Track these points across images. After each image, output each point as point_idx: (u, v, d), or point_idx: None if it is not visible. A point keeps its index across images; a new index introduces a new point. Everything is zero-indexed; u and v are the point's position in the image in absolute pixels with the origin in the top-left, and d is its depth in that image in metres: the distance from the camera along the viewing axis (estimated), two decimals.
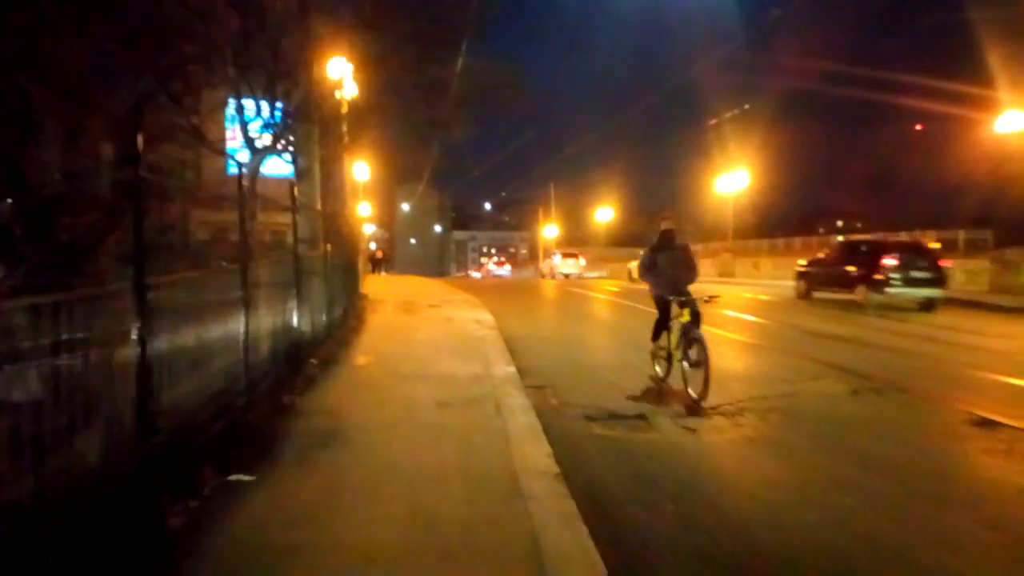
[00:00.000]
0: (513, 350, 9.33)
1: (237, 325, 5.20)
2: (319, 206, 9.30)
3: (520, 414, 5.77)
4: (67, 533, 2.91)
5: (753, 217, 41.51)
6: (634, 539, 3.67)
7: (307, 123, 9.52)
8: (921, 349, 10.68)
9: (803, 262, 20.21)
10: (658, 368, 7.67)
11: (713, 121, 34.63)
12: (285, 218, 11.27)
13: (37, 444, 2.87)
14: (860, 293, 16.86)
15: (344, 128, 12.26)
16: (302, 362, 7.09)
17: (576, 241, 69.72)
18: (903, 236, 24.72)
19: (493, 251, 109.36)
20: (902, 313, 15.11)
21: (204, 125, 8.53)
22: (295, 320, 7.02)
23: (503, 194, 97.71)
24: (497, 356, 8.58)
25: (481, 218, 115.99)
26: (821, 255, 20.09)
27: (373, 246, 55.41)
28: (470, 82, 15.07)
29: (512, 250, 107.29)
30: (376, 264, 38.61)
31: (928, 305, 16.15)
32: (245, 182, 7.78)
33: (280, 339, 6.63)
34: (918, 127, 62.23)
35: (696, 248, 28.11)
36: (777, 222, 54.82)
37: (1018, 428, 5.85)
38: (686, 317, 7.01)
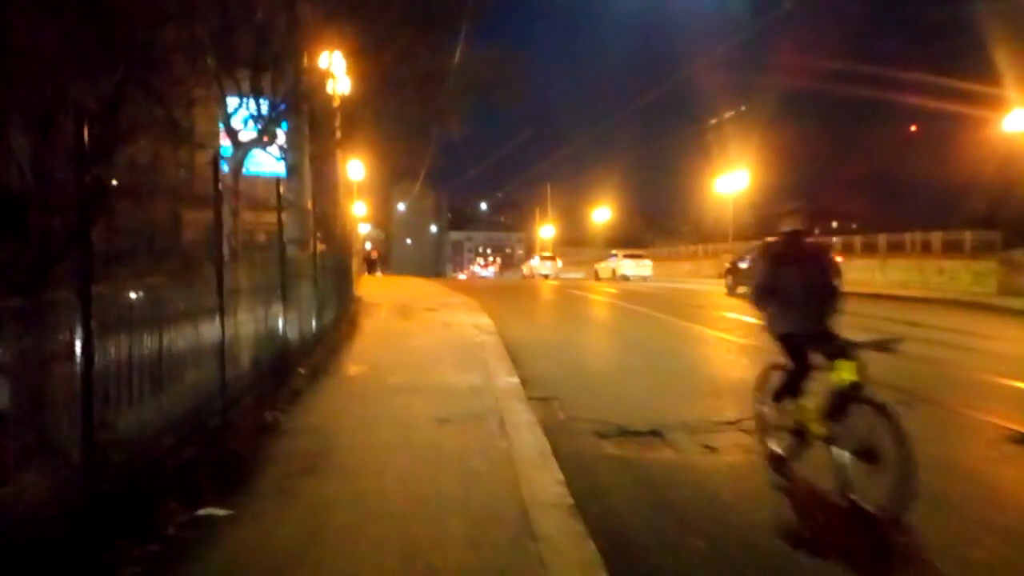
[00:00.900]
0: (514, 357, 8.83)
1: (212, 336, 4.69)
2: (310, 205, 8.78)
3: (526, 432, 5.27)
4: None
5: (753, 217, 41.04)
6: None
7: (296, 116, 9.00)
8: (938, 355, 10.20)
9: (728, 263, 22.63)
10: (774, 444, 4.98)
11: (713, 121, 34.20)
12: (274, 217, 10.79)
13: None
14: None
15: (337, 123, 11.71)
16: (289, 373, 6.57)
17: (573, 241, 69.33)
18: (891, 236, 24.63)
19: (489, 251, 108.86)
20: (913, 316, 14.65)
21: (190, 118, 8.02)
22: (281, 327, 6.50)
23: (499, 195, 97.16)
24: (498, 364, 8.08)
25: (477, 218, 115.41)
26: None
27: (368, 246, 54.87)
28: (468, 74, 14.52)
29: (508, 250, 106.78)
30: (371, 265, 38.06)
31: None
32: (227, 178, 7.30)
33: (264, 349, 6.12)
34: (912, 128, 62.04)
35: (695, 249, 27.74)
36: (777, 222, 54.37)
37: None
38: (845, 374, 4.28)
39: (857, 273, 24.38)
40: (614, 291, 24.74)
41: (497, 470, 4.39)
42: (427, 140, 21.62)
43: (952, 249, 21.49)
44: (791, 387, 4.83)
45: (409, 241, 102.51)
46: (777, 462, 4.88)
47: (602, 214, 61.25)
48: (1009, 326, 13.90)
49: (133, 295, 3.80)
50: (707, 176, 40.66)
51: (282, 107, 7.37)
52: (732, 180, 35.20)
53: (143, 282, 3.97)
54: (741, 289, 20.33)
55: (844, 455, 4.20)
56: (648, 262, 33.25)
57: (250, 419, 5.21)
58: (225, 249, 7.22)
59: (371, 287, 22.70)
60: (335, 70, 10.21)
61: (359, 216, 41.51)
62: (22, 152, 5.34)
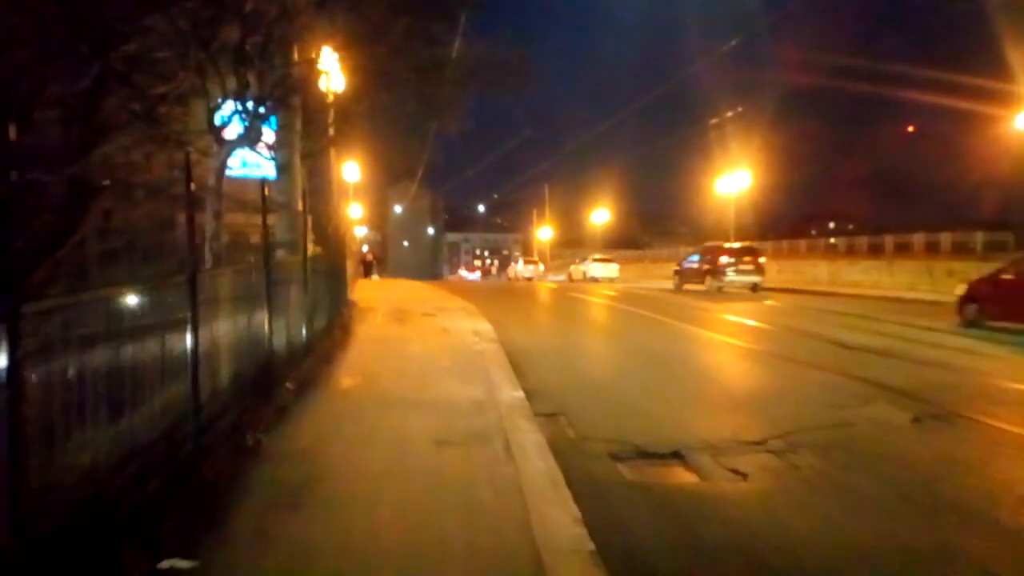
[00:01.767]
0: (517, 366, 8.33)
1: (183, 352, 4.17)
2: (300, 206, 8.26)
3: (535, 456, 4.75)
4: None
5: (754, 218, 40.61)
6: None
7: (286, 112, 8.49)
8: (961, 362, 9.71)
9: (676, 265, 26.60)
10: None
11: (714, 120, 33.75)
12: (267, 219, 10.25)
13: None
14: (707, 283, 23.10)
15: (330, 119, 11.13)
16: (274, 387, 6.05)
17: (571, 243, 68.86)
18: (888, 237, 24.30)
19: (486, 253, 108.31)
20: (928, 319, 14.16)
21: (186, 116, 7.48)
22: (267, 337, 5.98)
23: (496, 196, 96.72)
24: (501, 375, 7.56)
25: (474, 220, 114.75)
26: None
27: (365, 249, 54.34)
28: (470, 60, 13.92)
29: (505, 252, 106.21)
30: (368, 268, 37.52)
31: (754, 287, 22.59)
32: (211, 179, 6.78)
33: (247, 362, 5.60)
34: (910, 128, 61.64)
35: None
36: (780, 223, 54.12)
37: None
38: None
39: (863, 275, 23.97)
40: (612, 294, 24.39)
41: (505, 504, 3.87)
42: (424, 137, 21.08)
43: (962, 250, 21.03)
44: None
45: (406, 243, 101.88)
46: None
47: (600, 216, 60.74)
48: None
49: (85, 309, 3.28)
50: (708, 176, 40.24)
51: (269, 103, 6.83)
52: (734, 180, 34.70)
53: (98, 294, 3.44)
54: (687, 286, 24.35)
55: None
56: (615, 265, 36.53)
57: (229, 443, 4.69)
58: (207, 254, 6.74)
59: (367, 291, 22.17)
60: (328, 63, 9.68)
61: (355, 219, 41.03)
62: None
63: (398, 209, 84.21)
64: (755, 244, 26.82)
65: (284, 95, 7.51)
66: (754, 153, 35.59)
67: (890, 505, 4.33)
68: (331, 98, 11.00)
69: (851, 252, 25.26)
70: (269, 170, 9.69)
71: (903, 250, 23.74)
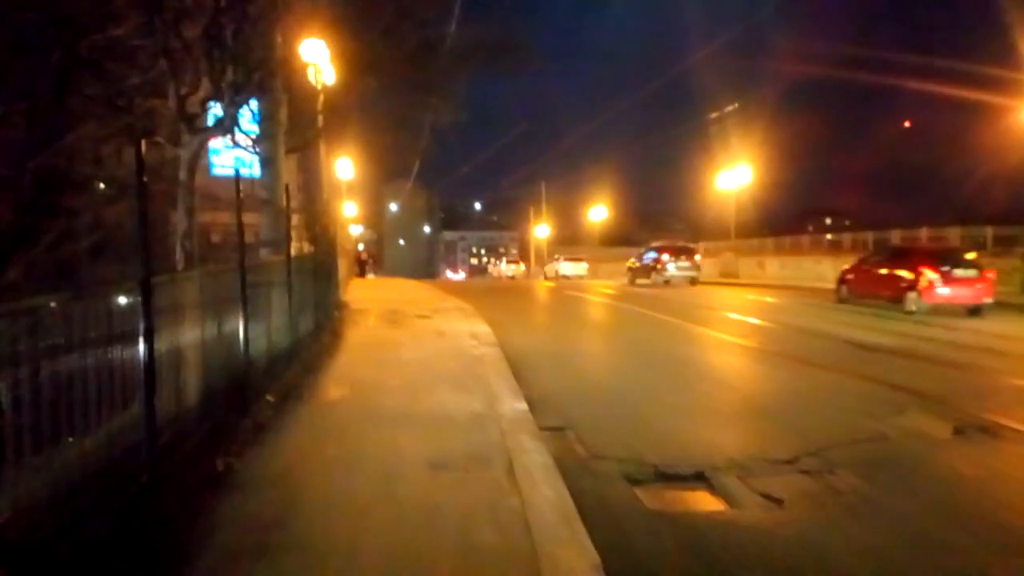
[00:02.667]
0: (517, 372, 7.77)
1: (136, 368, 3.59)
2: (284, 202, 7.66)
3: (542, 483, 4.18)
4: None
5: (756, 214, 40.07)
6: None
7: (269, 101, 7.88)
8: (990, 364, 9.19)
9: (629, 262, 30.12)
10: None
11: (714, 115, 33.21)
12: (251, 218, 9.64)
13: None
14: (652, 278, 26.86)
15: (319, 106, 10.47)
16: (252, 401, 5.47)
17: (568, 240, 68.29)
18: (894, 234, 23.92)
19: (483, 251, 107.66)
20: (946, 320, 13.63)
21: (142, 101, 6.89)
22: (242, 345, 5.39)
23: (491, 193, 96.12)
24: (501, 383, 6.99)
25: (471, 218, 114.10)
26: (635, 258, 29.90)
27: (361, 247, 53.78)
28: (462, 47, 13.27)
29: (502, 250, 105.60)
30: (362, 267, 36.92)
31: (692, 281, 26.13)
32: (181, 172, 6.19)
33: (219, 373, 5.01)
34: (906, 124, 61.10)
35: (698, 247, 29.00)
36: (775, 219, 53.60)
37: None
38: None
39: None
40: (611, 292, 23.98)
41: (510, 545, 3.30)
42: (418, 131, 20.42)
43: (971, 247, 20.44)
44: None
45: (402, 242, 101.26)
46: None
47: (598, 213, 60.18)
48: None
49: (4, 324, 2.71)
50: (707, 172, 39.74)
51: (245, 88, 6.21)
52: (734, 175, 34.13)
53: (20, 305, 2.87)
54: (638, 281, 27.87)
55: None
56: (584, 264, 40.22)
57: (194, 469, 4.11)
58: (179, 254, 6.16)
59: (361, 290, 21.58)
60: (313, 48, 9.08)
61: (350, 217, 40.40)
62: None
63: (393, 207, 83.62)
64: (692, 244, 31.34)
65: (262, 80, 6.91)
66: (754, 148, 35.07)
67: (953, 542, 3.76)
68: (319, 84, 10.34)
69: (856, 248, 24.72)
70: (252, 168, 9.10)
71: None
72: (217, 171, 15.38)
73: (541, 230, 64.90)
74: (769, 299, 19.77)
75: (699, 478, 4.67)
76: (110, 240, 5.35)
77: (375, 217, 72.90)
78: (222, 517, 3.65)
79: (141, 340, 3.59)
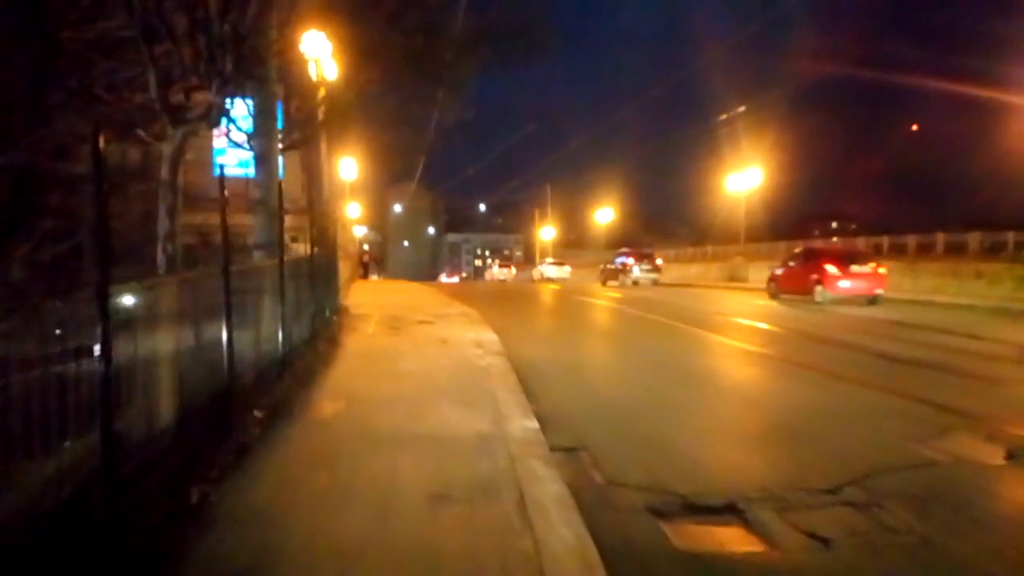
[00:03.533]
0: (526, 384, 7.29)
1: (93, 390, 3.11)
2: (278, 202, 7.18)
3: (557, 520, 3.68)
4: None
5: (766, 217, 39.46)
6: None
7: (262, 93, 7.41)
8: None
9: (602, 267, 34.40)
10: None
11: (724, 116, 32.72)
12: (246, 218, 9.16)
13: None
14: (620, 280, 30.78)
15: (319, 98, 9.92)
16: (236, 420, 4.98)
17: (573, 243, 67.91)
18: (909, 239, 23.42)
19: (487, 254, 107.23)
20: (968, 326, 13.08)
21: (121, 93, 6.43)
22: (226, 357, 4.91)
23: (496, 194, 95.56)
24: (509, 398, 6.50)
25: (475, 220, 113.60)
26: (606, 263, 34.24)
27: (366, 248, 53.46)
28: (471, 33, 12.69)
29: (507, 252, 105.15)
30: (365, 269, 36.50)
31: (654, 282, 30.22)
32: (164, 169, 5.71)
33: (199, 389, 4.53)
34: (914, 127, 60.43)
35: (704, 251, 29.66)
36: (781, 223, 52.99)
37: None
38: None
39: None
40: (617, 296, 23.59)
41: None
42: (424, 129, 19.87)
43: (990, 251, 19.89)
44: None
45: (406, 243, 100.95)
46: None
47: (604, 215, 59.71)
48: None
49: None
50: (716, 175, 39.22)
51: (234, 76, 5.71)
52: (744, 178, 33.54)
53: None
54: (609, 282, 31.73)
55: None
56: (567, 268, 43.18)
57: (164, 502, 3.62)
58: (160, 258, 5.68)
59: (362, 294, 21.13)
60: (314, 37, 8.58)
61: (354, 218, 40.00)
62: None
63: (398, 209, 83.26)
64: (654, 251, 35.64)
65: (253, 67, 6.43)
66: (764, 151, 34.51)
67: None
68: (318, 72, 9.78)
69: (877, 253, 24.16)
70: (245, 168, 8.64)
71: (926, 251, 22.59)
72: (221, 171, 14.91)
73: (546, 232, 64.46)
74: (761, 301, 20.68)
75: (731, 511, 4.16)
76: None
77: (379, 219, 72.57)
78: (189, 563, 3.17)
79: (98, 357, 3.11)
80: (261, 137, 7.97)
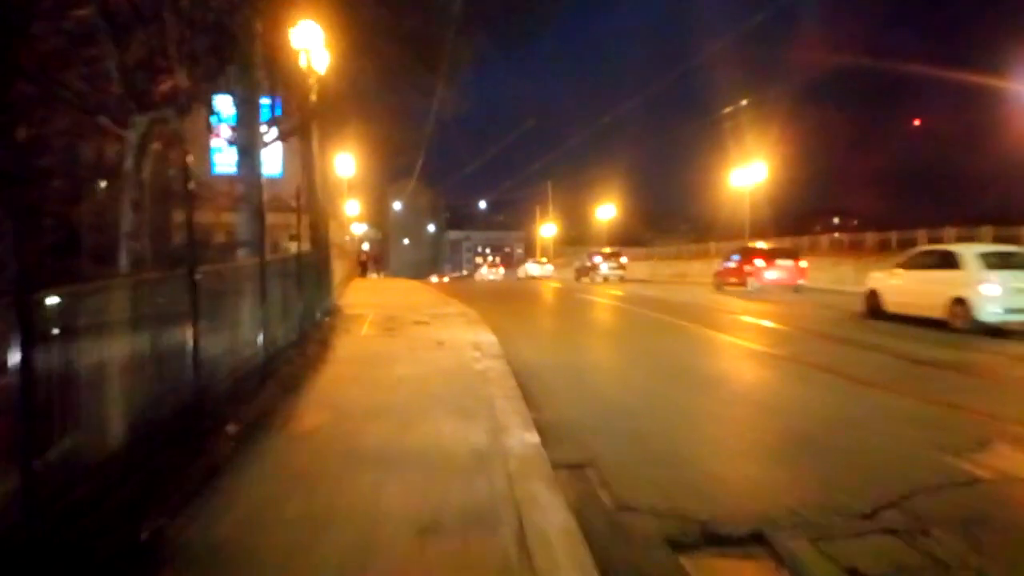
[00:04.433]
0: (526, 389, 6.82)
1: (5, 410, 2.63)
2: (259, 197, 6.70)
3: (564, 559, 3.19)
4: None
5: (771, 213, 38.85)
6: None
7: (247, 83, 6.92)
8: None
9: (575, 264, 39.09)
10: None
11: (728, 109, 32.19)
12: (234, 216, 8.67)
13: None
14: (590, 276, 34.95)
15: (310, 89, 9.39)
16: (205, 434, 4.50)
17: (575, 240, 67.36)
18: (919, 234, 23.09)
19: (488, 251, 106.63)
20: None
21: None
22: (191, 366, 4.43)
23: (497, 192, 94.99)
24: (508, 406, 6.02)
25: (476, 217, 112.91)
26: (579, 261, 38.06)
27: (366, 247, 52.99)
28: (468, 11, 12.12)
29: (507, 250, 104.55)
30: (363, 267, 36.02)
31: (620, 279, 33.73)
32: (127, 161, 5.23)
33: (160, 403, 4.06)
34: (916, 122, 59.82)
35: (706, 248, 29.42)
36: (784, 218, 52.37)
37: None
38: None
39: None
40: (620, 294, 23.17)
41: None
42: (421, 122, 19.34)
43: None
44: None
45: (406, 241, 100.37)
46: None
47: (606, 212, 59.18)
48: None
49: None
50: (719, 171, 38.69)
51: (203, 55, 5.22)
52: (749, 173, 32.99)
53: None
54: (582, 279, 35.83)
55: None
56: (549, 266, 48.19)
57: (106, 540, 3.13)
58: (123, 257, 5.20)
59: (358, 293, 20.65)
60: (303, 24, 8.08)
61: (352, 216, 39.51)
62: None
63: (397, 206, 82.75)
64: (619, 249, 39.27)
65: (229, 49, 5.92)
66: (769, 146, 33.96)
67: None
68: (307, 59, 9.25)
69: (879, 249, 23.71)
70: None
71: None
72: (219, 170, 14.43)
73: (547, 230, 63.98)
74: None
75: (758, 540, 3.67)
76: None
77: (379, 216, 72.05)
78: None
79: (17, 376, 2.63)
80: (244, 128, 7.48)
